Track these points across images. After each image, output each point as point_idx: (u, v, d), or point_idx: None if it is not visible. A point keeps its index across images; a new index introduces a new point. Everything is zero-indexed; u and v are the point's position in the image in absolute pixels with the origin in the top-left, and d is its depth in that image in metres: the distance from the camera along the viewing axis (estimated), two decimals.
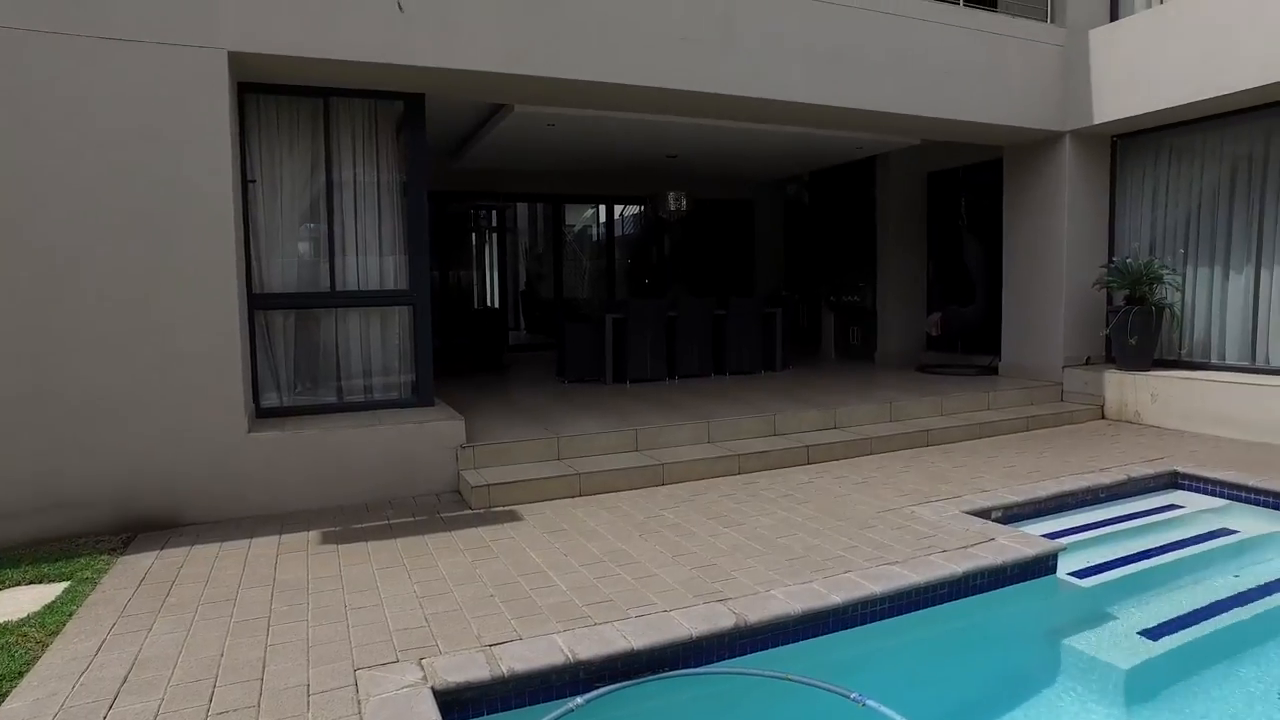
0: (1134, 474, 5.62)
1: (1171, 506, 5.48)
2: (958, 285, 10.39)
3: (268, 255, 5.59)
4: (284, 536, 4.52)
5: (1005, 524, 4.76)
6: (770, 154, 9.90)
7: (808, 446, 6.19)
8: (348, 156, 5.78)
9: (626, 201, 12.49)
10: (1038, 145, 8.22)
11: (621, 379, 8.70)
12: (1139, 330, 7.43)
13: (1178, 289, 7.60)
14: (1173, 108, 7.13)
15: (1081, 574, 4.36)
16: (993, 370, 9.01)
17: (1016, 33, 7.56)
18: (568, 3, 5.63)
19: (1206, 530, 5.13)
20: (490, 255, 11.50)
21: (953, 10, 7.26)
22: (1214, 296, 7.51)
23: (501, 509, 5.01)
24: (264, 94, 5.47)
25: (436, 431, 5.43)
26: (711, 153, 9.64)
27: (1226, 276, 7.42)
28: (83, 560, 4.12)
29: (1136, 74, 7.31)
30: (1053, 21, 7.87)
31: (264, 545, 4.39)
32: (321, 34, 4.95)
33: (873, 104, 6.86)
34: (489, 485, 5.10)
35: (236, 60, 4.89)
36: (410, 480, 5.33)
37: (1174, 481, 5.77)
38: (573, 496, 5.29)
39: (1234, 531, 5.13)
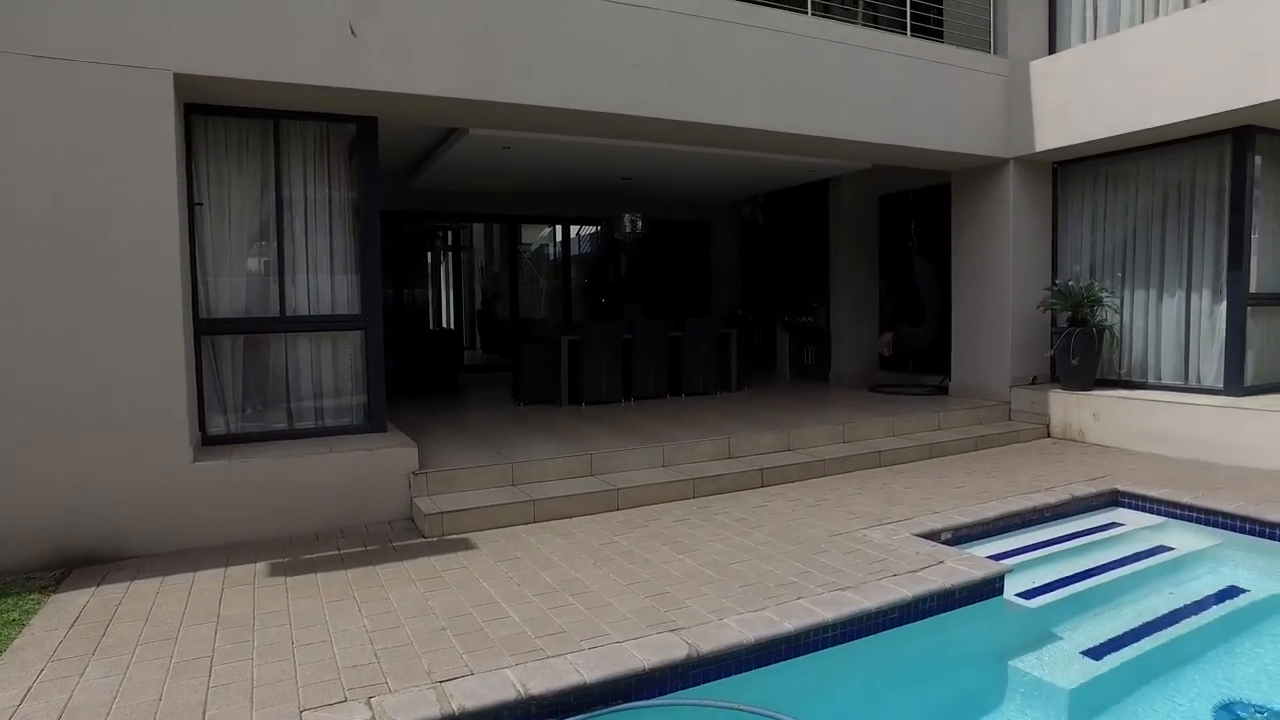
0: (1077, 493, 5.78)
1: (1113, 524, 5.64)
2: (909, 306, 10.61)
3: (215, 279, 5.47)
4: (230, 569, 4.40)
5: (954, 545, 4.86)
6: (725, 177, 10.03)
7: (762, 469, 6.24)
8: (298, 179, 5.70)
9: (583, 222, 12.53)
10: (984, 171, 8.47)
11: (577, 401, 8.68)
12: (1081, 351, 7.68)
13: (1116, 311, 7.87)
14: (1107, 138, 7.42)
15: (1028, 594, 4.46)
16: (943, 390, 9.20)
17: (962, 63, 7.80)
18: (523, 28, 5.65)
19: (1145, 548, 5.30)
20: (446, 275, 11.41)
21: (902, 41, 7.46)
22: (1149, 318, 7.80)
23: (455, 537, 4.95)
24: (212, 115, 5.37)
25: (389, 458, 5.35)
26: (667, 175, 9.73)
27: (1160, 299, 7.72)
28: (9, 601, 3.95)
29: (1072, 106, 7.59)
30: (995, 53, 8.14)
31: (209, 579, 4.26)
32: (271, 57, 4.89)
33: (826, 130, 7.01)
34: (442, 513, 5.04)
35: (183, 82, 4.80)
36: (362, 508, 5.24)
37: (1115, 500, 5.95)
38: (527, 523, 5.25)
39: (1170, 549, 5.31)
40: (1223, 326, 7.19)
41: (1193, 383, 7.48)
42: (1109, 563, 5.03)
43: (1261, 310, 7.21)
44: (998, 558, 4.84)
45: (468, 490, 5.51)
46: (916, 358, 10.12)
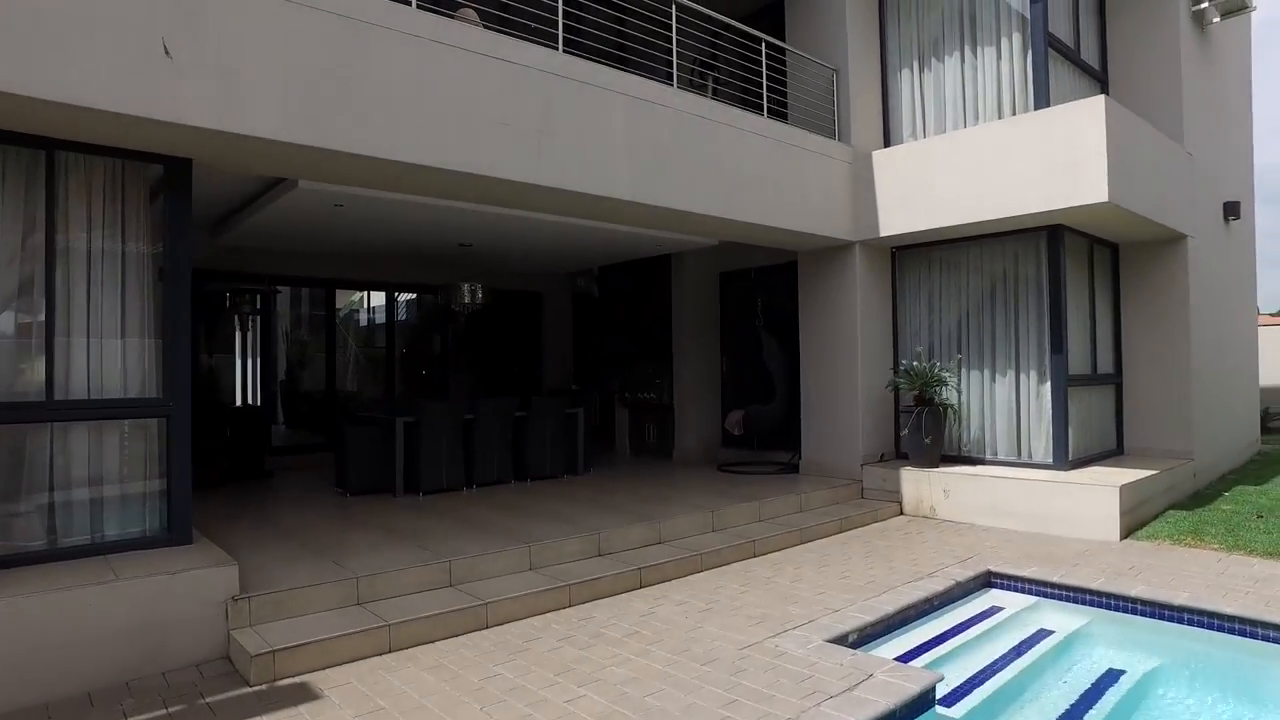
0: (958, 578, 5.73)
1: (994, 609, 5.62)
2: (753, 383, 10.65)
3: None
4: None
5: (860, 648, 4.58)
6: (570, 247, 9.62)
7: (640, 569, 5.65)
8: (79, 225, 4.50)
9: (412, 289, 11.56)
10: (830, 252, 8.70)
11: (414, 489, 7.68)
12: (931, 429, 7.91)
13: (957, 390, 8.25)
14: (944, 227, 7.86)
15: (947, 701, 4.20)
16: (793, 467, 9.18)
17: (814, 147, 8.01)
18: (379, 72, 4.93)
19: (1029, 634, 5.29)
20: (251, 343, 9.95)
21: (761, 121, 7.52)
22: (985, 397, 8.25)
23: (292, 682, 3.89)
24: None
25: (199, 582, 4.19)
26: (509, 243, 9.16)
27: (994, 379, 8.19)
28: None
29: (913, 195, 8.01)
30: (839, 140, 8.46)
31: None
32: (40, 66, 3.78)
33: (690, 205, 6.80)
34: (273, 650, 3.96)
35: None
36: (161, 652, 4.02)
37: (988, 581, 5.98)
38: (383, 653, 4.28)
39: (1050, 631, 5.34)
40: (1049, 406, 7.71)
41: (1024, 458, 7.92)
42: (1005, 654, 4.92)
43: (1076, 390, 7.83)
44: (905, 658, 4.62)
45: (304, 615, 4.44)
46: (762, 435, 10.09)
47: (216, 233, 7.87)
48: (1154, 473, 7.41)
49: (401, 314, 11.89)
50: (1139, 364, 8.69)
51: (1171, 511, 7.47)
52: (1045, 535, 6.96)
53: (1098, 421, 8.37)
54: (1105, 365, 8.56)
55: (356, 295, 11.62)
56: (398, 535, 5.89)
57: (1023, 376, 7.98)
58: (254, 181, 6.15)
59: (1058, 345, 7.63)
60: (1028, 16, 7.74)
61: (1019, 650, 5.01)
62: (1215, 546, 6.41)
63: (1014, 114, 7.89)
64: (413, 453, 7.65)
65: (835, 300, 8.71)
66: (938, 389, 8.04)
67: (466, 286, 8.82)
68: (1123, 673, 4.96)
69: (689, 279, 10.75)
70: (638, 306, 11.79)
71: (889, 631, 4.99)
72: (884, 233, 8.23)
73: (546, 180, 5.76)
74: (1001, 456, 8.08)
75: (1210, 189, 9.32)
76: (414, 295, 11.73)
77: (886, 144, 8.78)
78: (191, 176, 4.79)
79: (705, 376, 10.84)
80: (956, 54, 8.37)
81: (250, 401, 9.91)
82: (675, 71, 6.91)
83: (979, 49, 8.21)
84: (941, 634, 5.12)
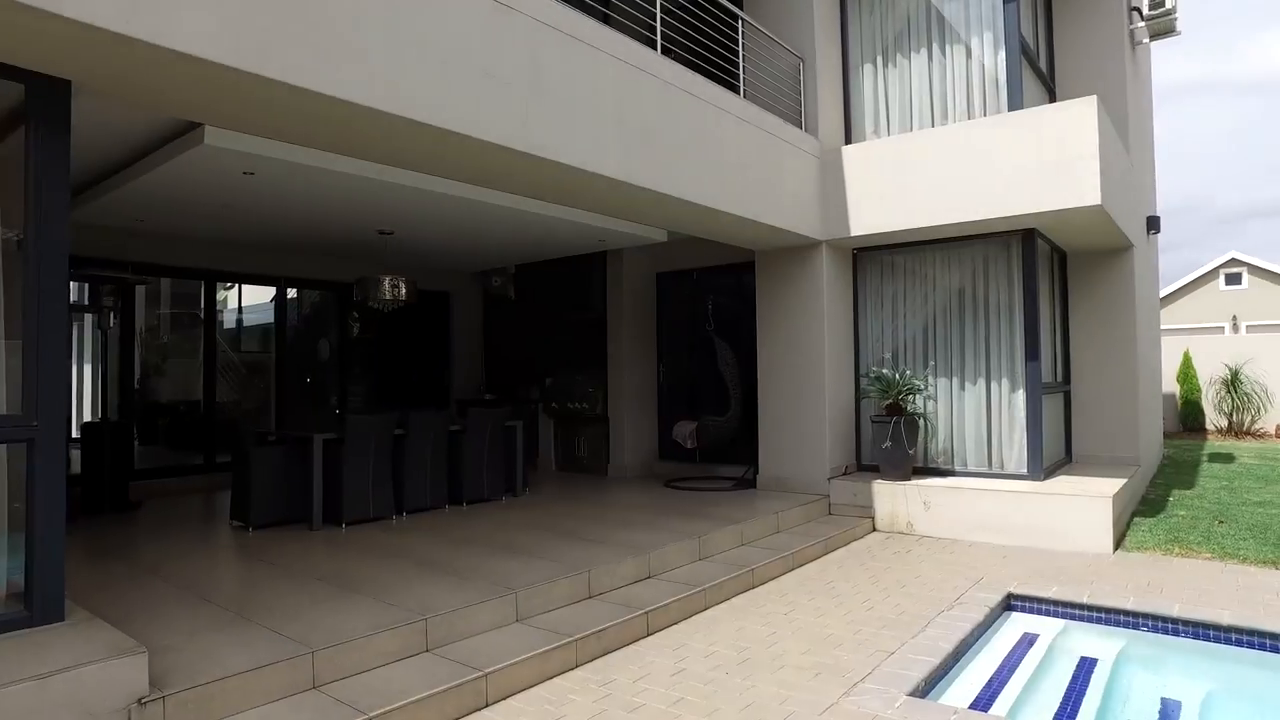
0: (988, 604, 5.21)
1: (1029, 636, 5.13)
2: (694, 392, 9.94)
3: None
4: None
5: (927, 695, 3.93)
6: (504, 239, 8.58)
7: (646, 613, 4.74)
8: None
9: (309, 285, 10.05)
10: (794, 252, 8.13)
11: (335, 520, 6.39)
12: (906, 440, 7.47)
13: (931, 398, 7.87)
14: (915, 229, 7.45)
15: None
16: (749, 483, 8.52)
17: (788, 138, 7.41)
18: None
19: (1076, 663, 4.83)
20: (110, 347, 8.15)
21: (741, 103, 6.82)
22: (954, 406, 7.91)
23: None
24: None
25: (84, 684, 2.91)
26: (438, 231, 8.01)
27: (963, 387, 7.88)
28: None
29: (888, 194, 7.56)
30: (806, 132, 7.91)
31: None
32: None
33: (677, 190, 5.98)
34: None
35: None
36: None
37: (1008, 604, 5.51)
38: None
39: (1094, 659, 4.91)
40: (1022, 414, 7.45)
41: (996, 469, 7.64)
42: (1069, 692, 4.43)
43: (1045, 397, 7.63)
44: (977, 705, 4.02)
45: (246, 713, 3.22)
46: (708, 448, 9.37)
47: (79, 201, 6.25)
48: (1126, 481, 7.29)
49: (293, 316, 10.30)
50: (1085, 371, 8.67)
51: (1138, 520, 7.38)
52: (1036, 549, 6.64)
53: (1052, 430, 8.25)
54: (1057, 373, 8.48)
55: (222, 293, 9.95)
56: (341, 585, 4.68)
57: (993, 384, 7.70)
58: (145, 131, 4.78)
59: (1033, 352, 7.39)
60: (997, 16, 7.51)
61: (1079, 687, 4.52)
62: (1207, 556, 6.27)
63: (984, 114, 7.63)
64: (334, 476, 6.36)
65: (799, 303, 8.13)
66: (910, 398, 7.62)
67: (388, 280, 7.55)
68: (1179, 703, 4.59)
69: (628, 279, 9.92)
70: (562, 309, 10.81)
71: (946, 673, 4.36)
72: (855, 232, 7.75)
73: (535, 148, 4.77)
74: (972, 467, 7.76)
75: (1140, 201, 9.54)
76: (296, 293, 10.18)
77: (847, 140, 8.33)
78: (70, 108, 3.47)
79: (644, 386, 10.03)
80: (923, 51, 8.04)
81: (107, 415, 8.11)
82: (659, 39, 6.08)
83: (947, 47, 7.92)
84: (998, 672, 4.55)
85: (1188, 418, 14.50)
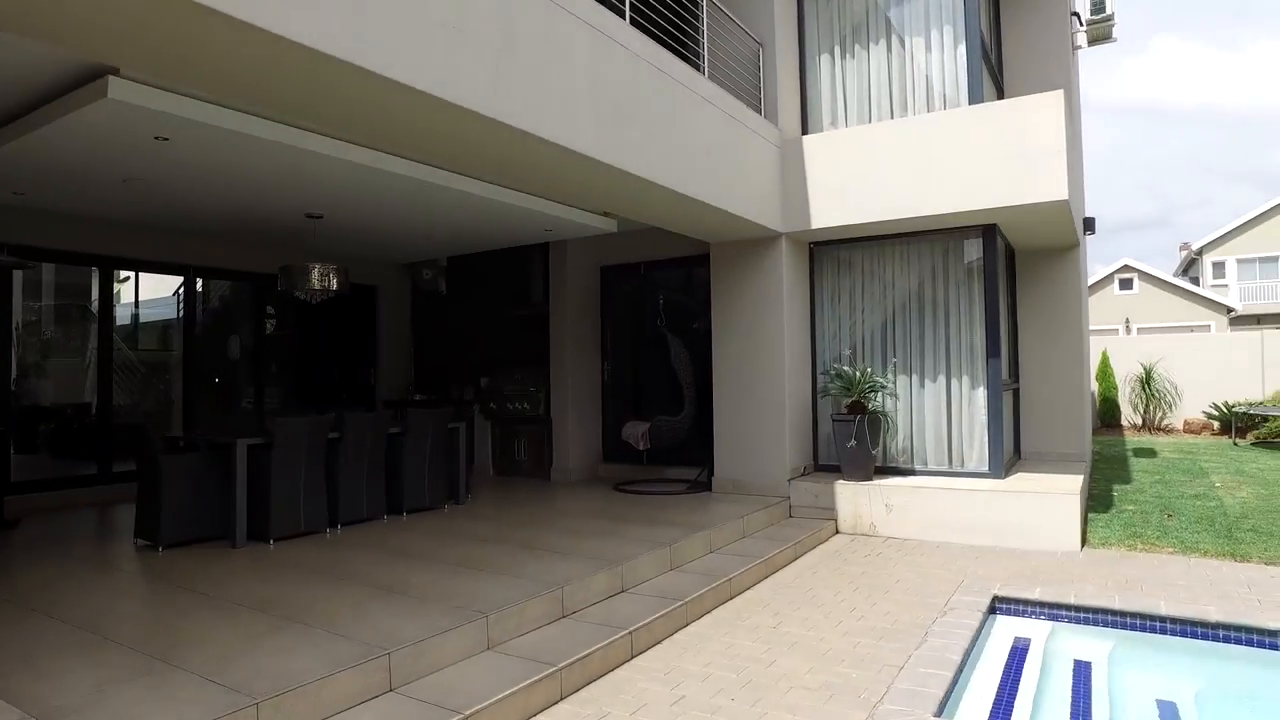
0: (980, 609, 5.00)
1: (1021, 642, 4.93)
2: (640, 391, 9.54)
3: None
4: None
5: (942, 713, 3.64)
6: (448, 226, 7.97)
7: (630, 633, 4.30)
8: None
9: (226, 276, 9.13)
10: (751, 245, 7.82)
11: (261, 535, 5.68)
12: (870, 439, 7.26)
13: (894, 395, 7.70)
14: (878, 222, 7.27)
15: None
16: (703, 485, 8.18)
17: (751, 124, 7.09)
18: None
19: (1071, 668, 4.66)
20: None
21: (709, 86, 6.45)
22: (913, 404, 7.77)
23: None
24: None
25: None
26: (372, 215, 7.35)
27: (922, 385, 7.75)
28: None
29: (848, 186, 7.35)
30: (766, 118, 7.62)
31: None
32: None
33: (648, 172, 5.56)
34: None
35: None
36: None
37: (993, 607, 5.32)
38: None
39: (1088, 663, 4.75)
40: (983, 412, 7.37)
41: (956, 467, 7.53)
42: (1076, 701, 4.23)
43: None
44: None
45: None
46: (656, 450, 8.98)
47: None
48: (1083, 477, 7.30)
49: (184, 307, 9.31)
50: (1033, 368, 8.72)
51: (1093, 516, 7.42)
52: (1005, 549, 6.53)
53: (1006, 427, 8.24)
54: (1006, 371, 8.48)
55: (117, 284, 8.92)
56: (280, 614, 4.04)
57: (953, 382, 7.60)
58: (31, 77, 4.01)
59: (994, 349, 7.31)
60: (957, 11, 7.41)
61: (1082, 700, 4.34)
62: (1170, 550, 6.29)
63: (944, 109, 7.52)
64: (260, 486, 5.63)
65: (758, 298, 7.83)
66: (873, 396, 7.43)
67: (317, 269, 6.80)
68: (1172, 704, 4.48)
69: (572, 273, 9.43)
70: (499, 304, 10.22)
71: (954, 685, 4.09)
72: (816, 225, 7.50)
73: (506, 115, 4.25)
74: (932, 466, 7.63)
75: (1081, 200, 9.71)
76: (202, 284, 9.24)
77: (804, 131, 8.09)
78: None
79: (588, 385, 9.56)
80: (881, 43, 7.88)
81: None
82: (628, 8, 5.63)
83: (906, 40, 7.78)
84: (1003, 683, 4.31)
85: (1106, 414, 15.07)
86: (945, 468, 7.58)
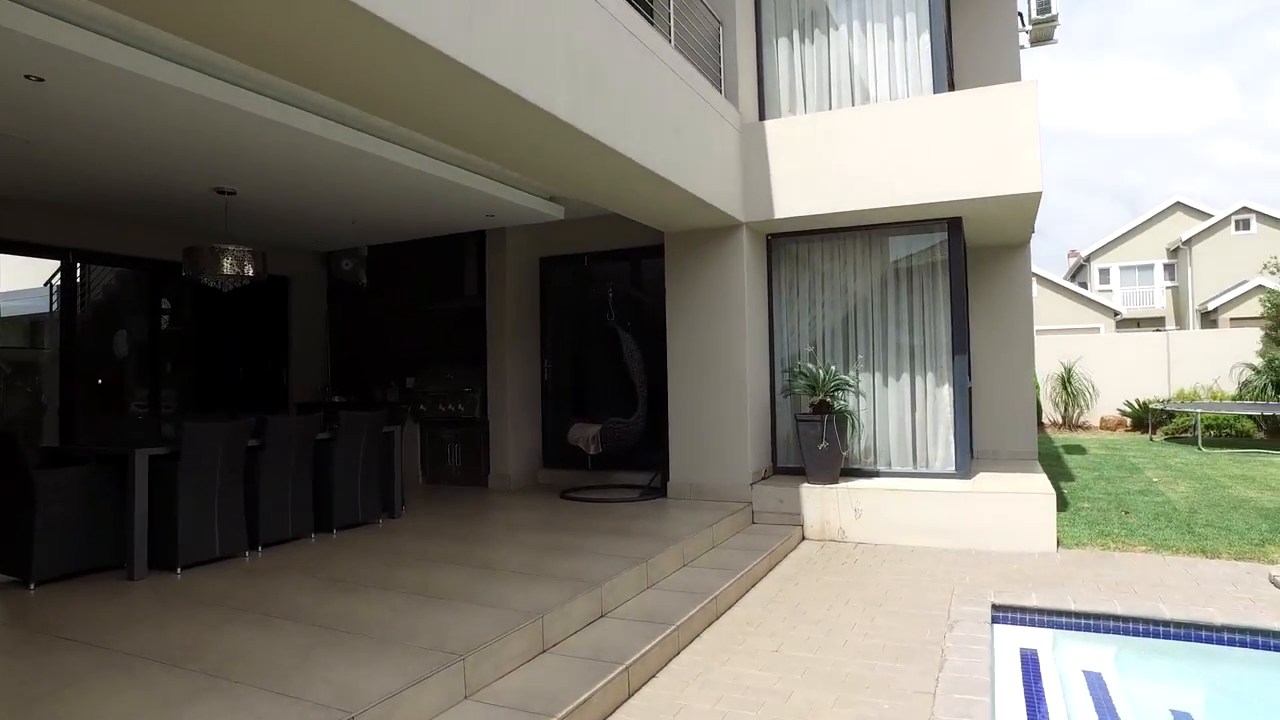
0: (984, 620, 4.69)
1: (1029, 653, 4.65)
2: (583, 391, 8.95)
3: None
4: None
5: None
6: (378, 207, 7.18)
7: (626, 668, 3.73)
8: None
9: (114, 261, 7.96)
10: (711, 234, 7.36)
11: (166, 563, 4.79)
12: (837, 439, 6.92)
13: (862, 394, 7.39)
14: (845, 212, 6.95)
15: None
16: (657, 490, 7.66)
17: (716, 105, 6.63)
18: None
19: (1086, 682, 4.39)
20: None
21: (680, 60, 5.94)
22: (877, 403, 7.49)
23: None
24: None
25: None
26: (295, 195, 6.51)
27: (885, 383, 7.48)
28: None
29: (813, 174, 6.99)
30: (727, 100, 7.18)
31: None
32: None
33: (623, 145, 4.98)
34: None
35: None
36: None
37: (992, 617, 5.02)
38: None
39: (1098, 673, 4.50)
40: (949, 411, 7.16)
41: (921, 468, 7.29)
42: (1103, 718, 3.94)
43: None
44: None
45: None
46: (608, 454, 8.40)
47: None
48: (1046, 476, 7.19)
49: (61, 297, 8.10)
50: (986, 366, 8.64)
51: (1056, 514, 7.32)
52: (981, 552, 6.29)
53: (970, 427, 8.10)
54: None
55: None
56: (202, 668, 3.25)
57: (917, 379, 7.36)
58: None
59: (960, 345, 7.10)
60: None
61: (1108, 711, 4.06)
62: (1143, 549, 6.20)
63: (907, 95, 7.28)
64: (164, 504, 4.74)
65: (716, 291, 7.38)
66: (839, 394, 7.10)
67: (231, 252, 5.89)
68: (1188, 715, 4.28)
69: (511, 265, 8.74)
70: (428, 298, 9.40)
71: (994, 712, 3.73)
72: (779, 214, 7.11)
73: (478, 63, 3.60)
74: (896, 467, 7.37)
75: None
76: (81, 270, 8.06)
77: (761, 116, 7.70)
78: None
79: (528, 385, 8.89)
80: (842, 29, 7.58)
81: None
82: None
83: (868, 25, 7.50)
84: (1029, 704, 3.98)
85: None
86: (909, 468, 7.33)
